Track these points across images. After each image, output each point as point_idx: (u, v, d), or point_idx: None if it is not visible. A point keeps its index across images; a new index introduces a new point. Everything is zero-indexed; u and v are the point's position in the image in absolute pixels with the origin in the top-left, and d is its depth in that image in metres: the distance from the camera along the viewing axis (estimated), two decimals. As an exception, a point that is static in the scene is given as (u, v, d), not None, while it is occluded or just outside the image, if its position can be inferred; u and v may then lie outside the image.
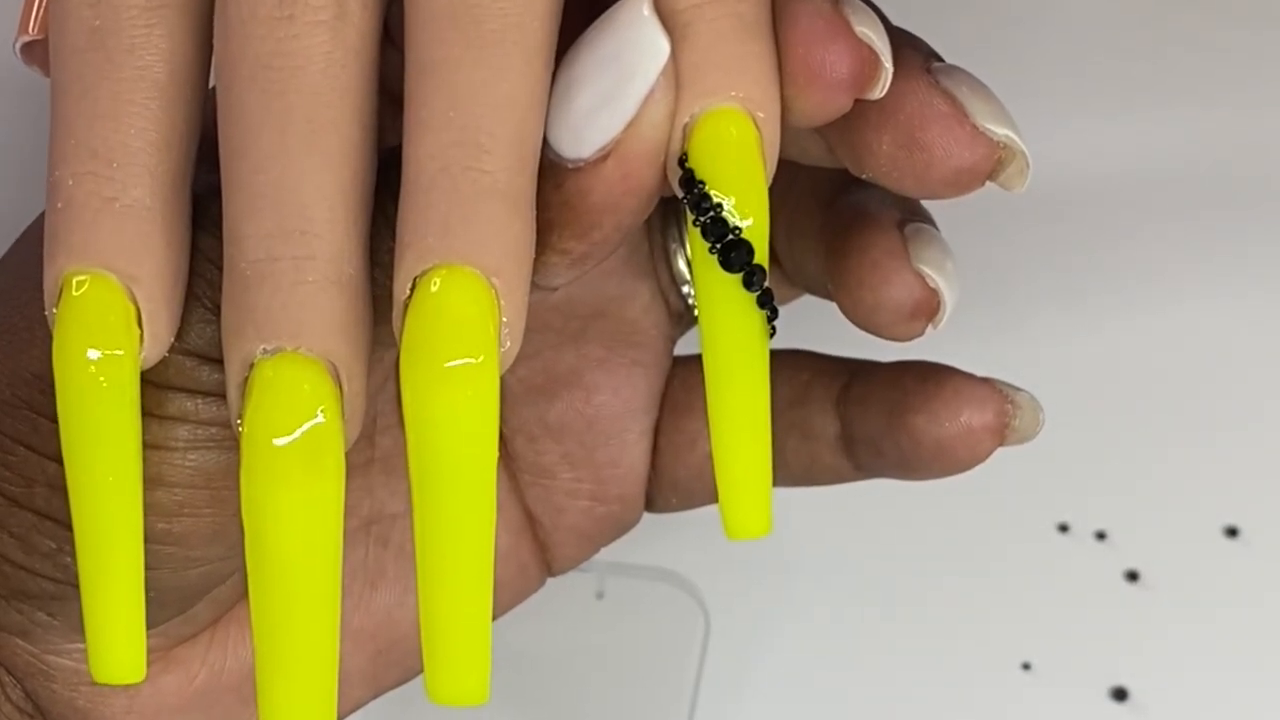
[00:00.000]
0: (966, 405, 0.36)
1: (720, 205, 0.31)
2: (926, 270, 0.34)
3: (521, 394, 0.39)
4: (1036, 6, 0.53)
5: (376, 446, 0.38)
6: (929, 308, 0.34)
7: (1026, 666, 0.47)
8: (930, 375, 0.36)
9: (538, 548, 0.39)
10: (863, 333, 0.35)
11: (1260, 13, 0.53)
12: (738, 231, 0.31)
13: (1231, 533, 0.48)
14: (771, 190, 0.32)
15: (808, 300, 0.38)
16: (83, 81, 0.31)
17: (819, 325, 0.37)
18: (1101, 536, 0.48)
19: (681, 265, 0.39)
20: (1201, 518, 0.48)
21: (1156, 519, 0.48)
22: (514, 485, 0.39)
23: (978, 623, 0.47)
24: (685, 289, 0.39)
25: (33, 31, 0.33)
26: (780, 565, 0.47)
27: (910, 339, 0.35)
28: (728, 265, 0.31)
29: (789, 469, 0.38)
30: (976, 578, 0.47)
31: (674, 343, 0.40)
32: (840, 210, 0.36)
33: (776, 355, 0.33)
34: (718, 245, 0.31)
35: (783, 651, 0.47)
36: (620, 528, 0.40)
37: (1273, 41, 0.53)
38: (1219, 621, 0.47)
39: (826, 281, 0.35)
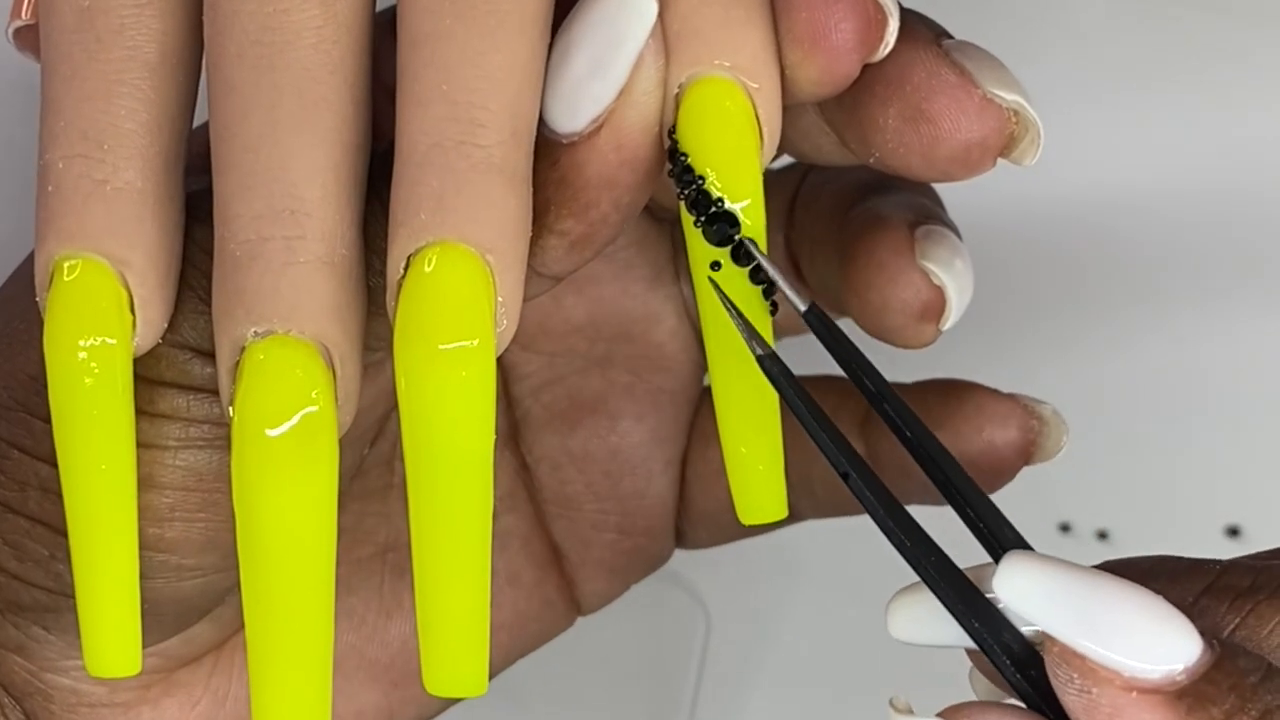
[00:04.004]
0: (989, 422, 0.35)
1: (703, 178, 0.30)
2: (932, 268, 0.33)
3: (545, 420, 0.38)
4: (1038, 14, 0.53)
5: (395, 472, 0.37)
6: (936, 308, 0.33)
7: (1028, 667, 0.46)
8: (953, 392, 0.36)
9: (564, 583, 0.38)
10: (885, 352, 0.34)
11: (1264, 16, 0.53)
12: (721, 204, 0.30)
13: (1232, 533, 0.48)
14: (792, 205, 0.31)
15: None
16: (71, 62, 0.30)
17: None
18: (1103, 536, 0.48)
19: None
20: (1202, 518, 0.48)
21: (1158, 519, 0.48)
22: (539, 517, 0.38)
23: (978, 623, 0.47)
24: None
25: (25, 16, 0.33)
26: (780, 565, 0.47)
27: (922, 344, 0.34)
28: (710, 238, 0.31)
29: (816, 498, 0.37)
30: (977, 578, 0.47)
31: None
32: (855, 218, 0.35)
33: (800, 381, 0.32)
34: (702, 219, 0.31)
35: (783, 651, 0.46)
36: (650, 562, 0.39)
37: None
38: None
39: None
